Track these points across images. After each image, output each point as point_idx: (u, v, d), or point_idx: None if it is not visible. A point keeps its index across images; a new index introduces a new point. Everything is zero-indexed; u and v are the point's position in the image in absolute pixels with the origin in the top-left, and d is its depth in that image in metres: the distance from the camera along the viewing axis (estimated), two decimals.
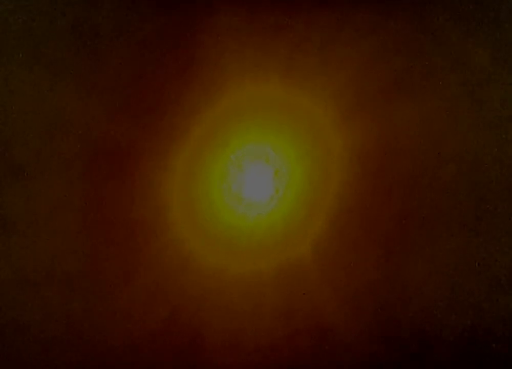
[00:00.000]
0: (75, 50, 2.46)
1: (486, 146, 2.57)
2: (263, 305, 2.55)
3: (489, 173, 2.56)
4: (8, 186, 2.42)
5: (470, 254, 2.55)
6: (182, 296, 2.52)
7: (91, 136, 2.46)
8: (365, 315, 2.56)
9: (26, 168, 2.43)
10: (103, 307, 2.47)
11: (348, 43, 2.57)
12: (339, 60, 2.57)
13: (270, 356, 2.54)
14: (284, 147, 2.58)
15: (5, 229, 2.41)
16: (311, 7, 2.55)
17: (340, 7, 2.56)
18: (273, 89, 2.55)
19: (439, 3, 2.58)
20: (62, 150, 2.45)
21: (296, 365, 2.54)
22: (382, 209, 2.57)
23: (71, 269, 2.45)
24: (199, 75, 2.52)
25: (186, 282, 2.52)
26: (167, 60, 2.51)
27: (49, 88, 2.44)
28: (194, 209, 2.54)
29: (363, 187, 2.57)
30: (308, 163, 2.58)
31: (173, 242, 2.51)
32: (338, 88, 2.57)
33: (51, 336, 2.44)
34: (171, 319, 2.50)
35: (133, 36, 2.49)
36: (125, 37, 2.48)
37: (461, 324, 2.54)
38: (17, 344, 2.43)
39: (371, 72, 2.58)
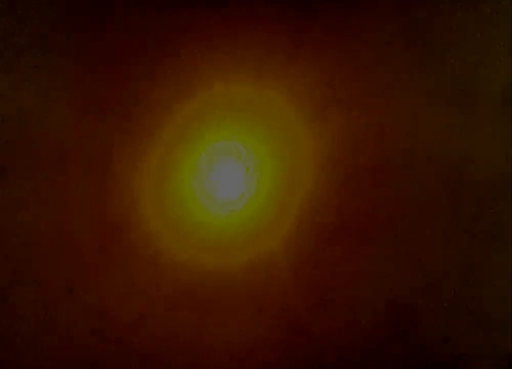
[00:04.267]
0: (40, 45, 2.45)
1: (468, 147, 2.58)
2: (234, 300, 2.58)
3: (465, 169, 2.58)
4: None
5: (447, 248, 2.58)
6: (154, 293, 2.54)
7: (61, 134, 2.47)
8: (336, 311, 2.59)
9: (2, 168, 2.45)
10: (75, 303, 2.50)
11: (320, 40, 2.56)
12: (311, 58, 2.56)
13: (240, 351, 2.58)
14: (255, 145, 2.59)
15: None
16: (282, 6, 2.54)
17: (311, 5, 2.55)
18: (244, 87, 2.55)
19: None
20: (34, 150, 2.46)
21: (266, 360, 2.58)
22: (353, 206, 2.59)
23: (44, 265, 2.48)
24: (170, 73, 2.52)
25: (157, 278, 2.55)
26: (138, 58, 2.50)
27: (16, 86, 2.44)
28: (165, 206, 2.56)
29: (334, 184, 2.59)
30: (279, 161, 2.59)
31: (144, 238, 2.53)
32: (310, 86, 2.57)
33: (23, 335, 2.48)
34: (143, 316, 2.54)
35: (104, 35, 2.48)
36: (96, 36, 2.47)
37: (441, 322, 2.58)
38: None
39: (344, 69, 2.58)
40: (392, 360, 2.58)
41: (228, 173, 2.60)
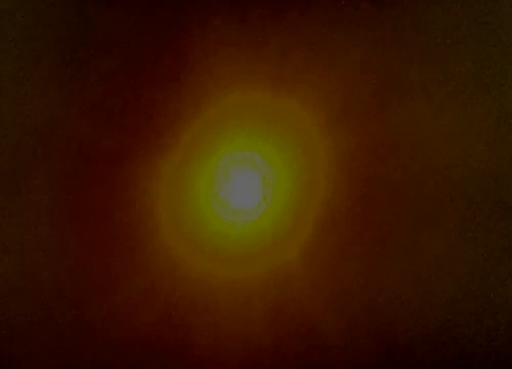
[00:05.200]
0: (63, 55, 2.49)
1: (478, 152, 2.55)
2: (250, 310, 2.55)
3: (479, 178, 2.54)
4: None
5: (461, 259, 2.53)
6: (169, 302, 2.53)
7: (78, 141, 2.49)
8: (354, 321, 2.54)
9: (14, 172, 2.46)
10: (91, 312, 2.50)
11: (337, 48, 2.57)
12: (327, 66, 2.57)
13: (257, 361, 2.54)
14: (272, 154, 2.58)
15: None
16: (299, 12, 2.56)
17: (328, 12, 2.56)
18: (261, 95, 2.56)
19: (435, 4, 2.57)
20: (49, 156, 2.48)
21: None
22: (370, 215, 2.56)
23: (59, 274, 2.48)
24: (187, 81, 2.54)
25: (173, 287, 2.53)
26: (155, 67, 2.53)
27: (37, 92, 2.47)
28: (181, 216, 2.55)
29: (351, 193, 2.56)
30: (296, 170, 2.58)
31: (160, 248, 2.53)
32: (326, 94, 2.57)
33: (40, 341, 2.47)
34: (159, 324, 2.52)
35: (121, 41, 2.51)
36: (113, 42, 2.51)
37: (450, 328, 2.52)
38: (7, 348, 2.46)
39: (360, 77, 2.58)
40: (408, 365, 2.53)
41: (244, 183, 2.59)
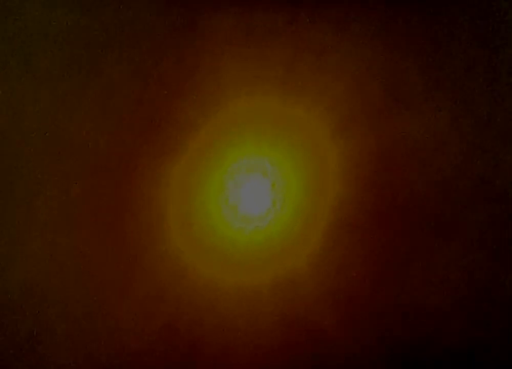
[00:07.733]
0: (69, 62, 2.49)
1: (485, 157, 2.55)
2: (259, 317, 2.55)
3: (488, 183, 2.55)
4: (6, 196, 2.46)
5: (471, 264, 2.54)
6: (178, 308, 2.53)
7: (87, 148, 2.49)
8: (363, 328, 2.55)
9: (22, 179, 2.46)
10: (99, 318, 2.50)
11: (345, 54, 2.56)
12: (335, 72, 2.56)
13: (266, 366, 2.55)
14: (281, 160, 2.58)
15: (4, 239, 2.45)
16: (308, 18, 2.55)
17: (337, 18, 2.56)
18: (269, 101, 2.56)
19: (441, 12, 2.56)
20: (59, 163, 2.48)
21: None
22: (380, 221, 2.56)
23: (67, 280, 2.48)
24: (195, 88, 2.53)
25: (181, 293, 2.53)
26: (163, 73, 2.52)
27: (44, 98, 2.47)
28: (190, 222, 2.55)
29: (360, 199, 2.56)
30: (305, 176, 2.58)
31: (169, 254, 2.53)
32: (334, 100, 2.57)
33: (47, 349, 2.48)
34: (167, 331, 2.52)
35: (130, 49, 2.51)
36: (121, 49, 2.50)
37: (462, 334, 2.53)
38: (10, 357, 2.47)
39: (368, 83, 2.57)
40: None
41: (253, 189, 2.59)
